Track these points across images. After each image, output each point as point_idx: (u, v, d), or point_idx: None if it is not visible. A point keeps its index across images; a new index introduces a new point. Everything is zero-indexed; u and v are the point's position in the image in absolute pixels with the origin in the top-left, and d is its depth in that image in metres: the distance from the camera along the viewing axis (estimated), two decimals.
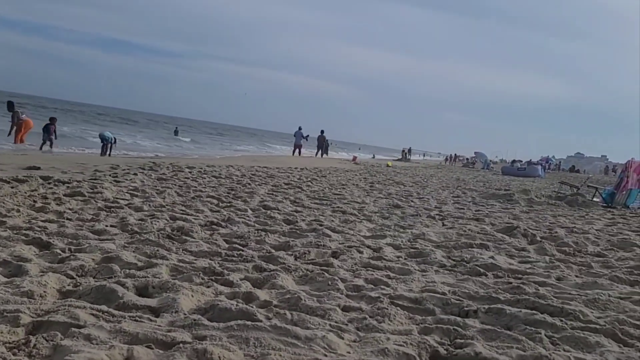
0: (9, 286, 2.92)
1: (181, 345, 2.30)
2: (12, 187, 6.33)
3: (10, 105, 16.76)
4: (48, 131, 16.48)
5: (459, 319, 2.99)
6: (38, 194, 6.16)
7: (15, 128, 16.33)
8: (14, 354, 2.13)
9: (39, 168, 8.96)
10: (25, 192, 6.15)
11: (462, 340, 2.66)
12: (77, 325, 2.43)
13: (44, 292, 2.88)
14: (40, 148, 16.09)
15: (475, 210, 8.99)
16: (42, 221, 4.82)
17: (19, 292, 2.81)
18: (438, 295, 3.37)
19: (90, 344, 2.24)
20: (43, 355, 2.15)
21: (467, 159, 55.51)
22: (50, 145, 16.34)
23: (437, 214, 7.95)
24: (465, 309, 3.18)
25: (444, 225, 7.00)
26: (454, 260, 4.69)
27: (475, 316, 3.08)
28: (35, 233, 4.25)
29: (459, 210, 8.81)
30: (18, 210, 5.10)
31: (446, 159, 58.99)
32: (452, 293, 3.51)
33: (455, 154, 59.96)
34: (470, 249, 5.21)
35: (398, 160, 43.18)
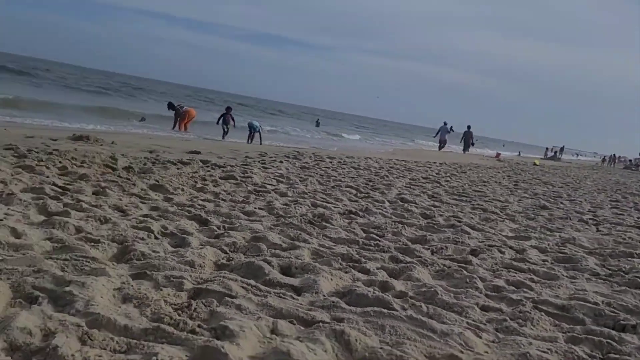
0: (174, 255, 3.32)
1: (320, 324, 2.42)
2: (177, 169, 7.17)
3: (171, 105, 18.83)
4: (225, 121, 17.52)
5: (613, 332, 2.73)
6: (198, 176, 6.86)
7: (179, 119, 18.28)
8: (179, 315, 2.42)
9: (199, 152, 9.97)
10: (188, 174, 6.90)
11: (617, 356, 2.43)
12: (230, 295, 2.69)
13: (203, 263, 3.23)
14: (223, 138, 16.99)
15: (638, 217, 8.02)
16: (201, 200, 5.37)
17: (183, 261, 3.18)
18: (589, 305, 3.10)
19: (241, 313, 2.47)
20: (202, 319, 2.41)
21: (630, 160, 49.67)
22: (223, 136, 17.20)
23: (590, 219, 7.26)
24: (622, 322, 2.89)
25: (598, 230, 6.37)
26: (609, 269, 4.27)
27: (634, 332, 2.78)
28: (196, 210, 4.75)
29: (618, 216, 7.93)
30: (182, 189, 5.74)
31: (604, 160, 53.35)
32: (605, 304, 3.21)
33: (614, 155, 53.95)
34: (629, 258, 4.69)
35: (545, 159, 40.14)
